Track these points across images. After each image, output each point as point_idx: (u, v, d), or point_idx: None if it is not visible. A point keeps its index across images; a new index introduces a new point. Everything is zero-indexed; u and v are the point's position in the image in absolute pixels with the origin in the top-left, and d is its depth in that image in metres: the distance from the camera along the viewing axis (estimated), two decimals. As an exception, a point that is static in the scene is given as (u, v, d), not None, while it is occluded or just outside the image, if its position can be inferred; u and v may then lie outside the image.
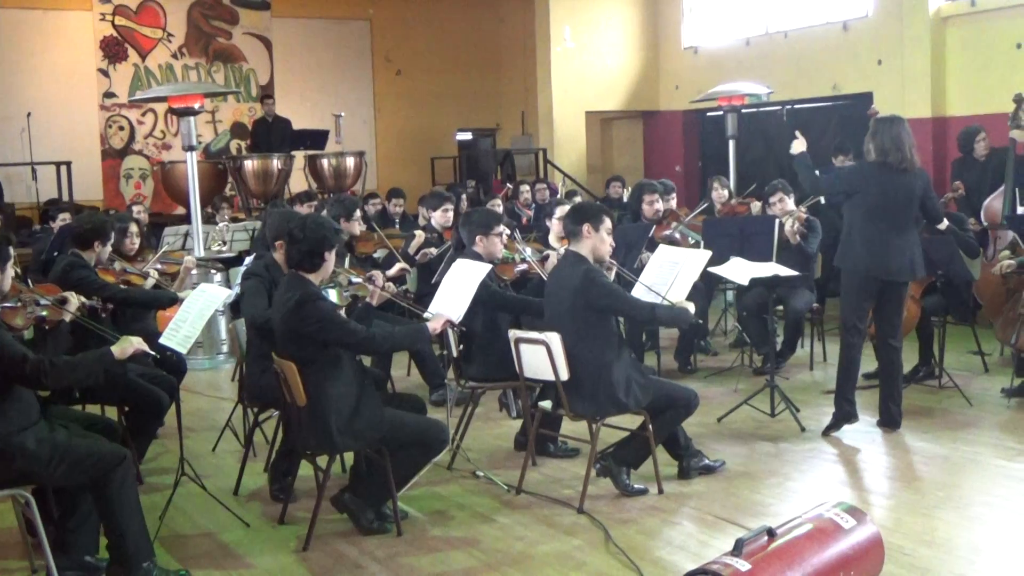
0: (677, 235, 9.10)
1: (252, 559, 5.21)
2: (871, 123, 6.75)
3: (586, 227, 5.78)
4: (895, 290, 6.75)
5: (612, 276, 6.21)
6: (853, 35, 13.42)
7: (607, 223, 5.81)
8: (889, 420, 6.85)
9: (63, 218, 10.53)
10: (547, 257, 7.78)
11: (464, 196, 12.20)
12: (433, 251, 8.57)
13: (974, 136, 10.41)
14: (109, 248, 6.92)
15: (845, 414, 6.83)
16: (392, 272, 6.45)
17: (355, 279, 6.04)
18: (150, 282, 7.41)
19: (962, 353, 8.85)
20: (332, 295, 5.62)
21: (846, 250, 6.76)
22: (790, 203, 8.83)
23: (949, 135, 11.80)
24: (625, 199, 12.63)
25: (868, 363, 8.29)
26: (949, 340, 8.22)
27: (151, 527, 5.20)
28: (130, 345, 4.88)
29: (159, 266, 7.81)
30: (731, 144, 12.19)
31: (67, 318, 5.43)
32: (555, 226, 8.47)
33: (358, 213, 8.35)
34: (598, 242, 5.79)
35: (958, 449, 6.47)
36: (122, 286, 6.94)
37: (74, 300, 5.55)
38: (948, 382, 7.77)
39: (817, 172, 7.15)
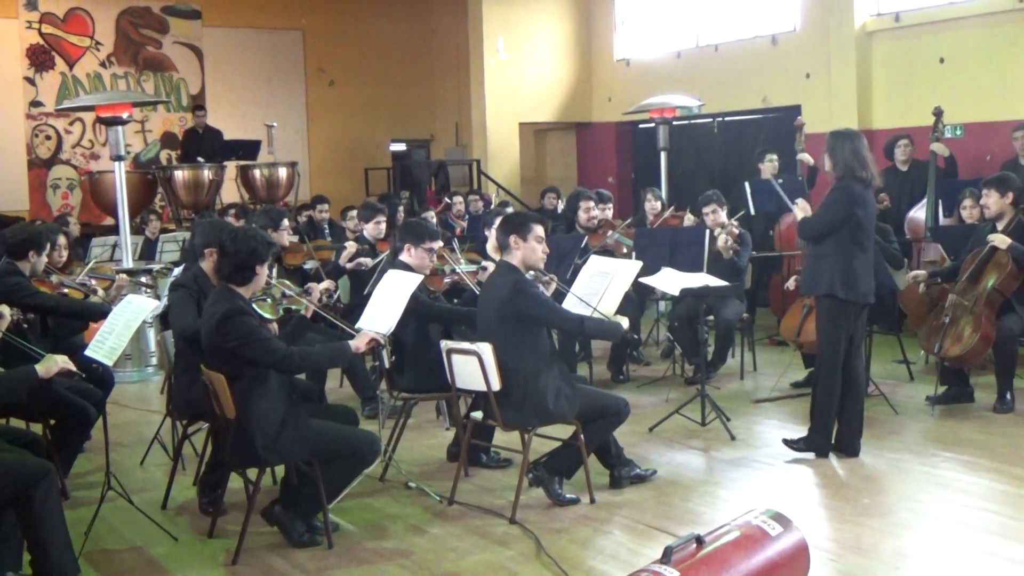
0: (611, 243, 9.17)
1: (180, 573, 5.14)
2: (828, 138, 6.50)
3: (513, 238, 5.81)
4: (864, 310, 6.56)
5: (551, 290, 6.24)
6: (782, 49, 13.62)
7: (536, 231, 5.82)
8: (849, 448, 6.57)
9: None
10: (485, 269, 7.80)
11: (400, 208, 12.18)
12: (368, 262, 8.53)
13: (895, 143, 10.63)
14: (44, 259, 6.81)
15: (820, 446, 6.55)
16: (318, 289, 6.38)
17: (289, 292, 6.01)
18: (99, 295, 7.31)
19: (888, 362, 9.01)
20: (267, 309, 5.56)
21: (849, 279, 6.34)
22: (723, 215, 8.95)
23: (875, 147, 11.94)
24: (560, 210, 12.71)
25: (798, 371, 8.45)
26: (875, 349, 8.36)
27: (76, 542, 5.11)
28: (55, 364, 4.84)
29: (91, 280, 7.70)
30: (663, 156, 12.30)
31: (-1, 334, 5.34)
32: (492, 236, 8.49)
33: (286, 223, 8.28)
34: (528, 252, 5.81)
35: (884, 456, 6.57)
36: (56, 295, 6.83)
37: (7, 317, 5.45)
38: (874, 390, 7.87)
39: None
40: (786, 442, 6.67)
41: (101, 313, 6.92)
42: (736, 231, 8.76)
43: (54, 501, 4.64)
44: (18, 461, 4.64)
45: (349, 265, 8.57)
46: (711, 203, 8.99)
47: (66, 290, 7.18)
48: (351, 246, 8.72)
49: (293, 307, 5.86)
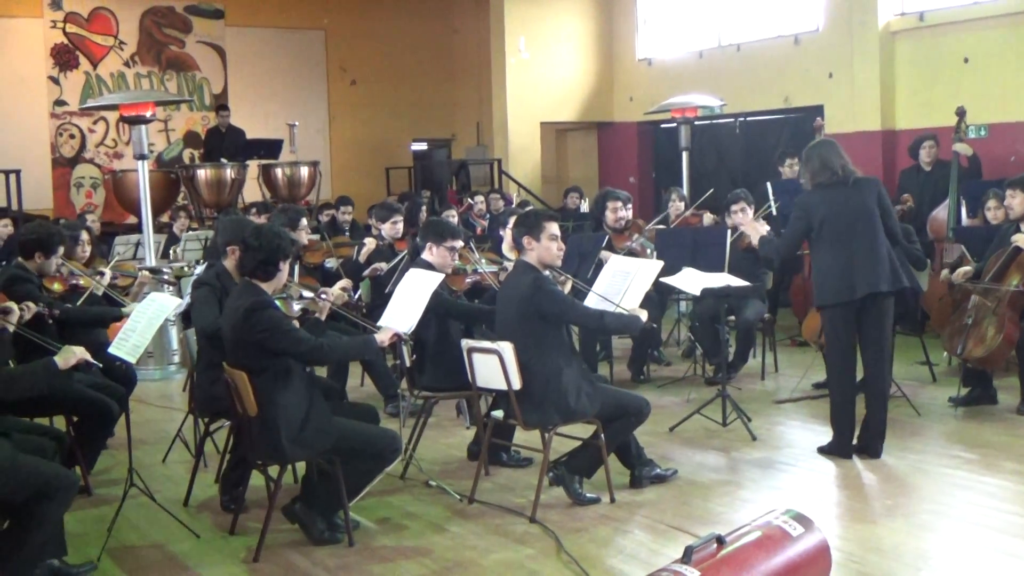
0: (637, 247, 9.12)
1: (202, 570, 5.16)
2: (803, 152, 6.66)
3: (526, 239, 5.81)
4: (875, 306, 6.43)
5: (568, 288, 6.23)
6: (804, 48, 13.57)
7: (548, 229, 5.81)
8: (871, 449, 6.53)
9: (4, 224, 10.51)
10: (506, 269, 7.81)
11: (423, 207, 12.19)
12: (384, 266, 8.56)
13: (920, 143, 10.56)
14: (55, 260, 6.75)
15: (840, 448, 6.55)
16: (336, 288, 6.41)
17: (306, 294, 6.04)
18: (105, 280, 7.32)
19: (910, 363, 8.95)
20: (281, 307, 5.59)
21: (818, 285, 6.54)
22: (751, 214, 8.91)
23: (898, 148, 11.96)
24: (583, 210, 12.70)
25: (820, 372, 8.40)
26: (898, 351, 8.29)
27: (99, 539, 5.18)
28: (73, 355, 4.86)
29: (115, 278, 7.73)
30: (684, 156, 12.27)
31: (10, 328, 5.35)
32: (507, 236, 8.49)
33: (304, 222, 8.31)
34: (543, 251, 5.81)
35: (906, 458, 6.54)
36: (66, 305, 6.77)
37: (16, 311, 5.47)
38: (897, 392, 7.83)
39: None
40: (820, 449, 6.67)
41: (114, 318, 6.93)
42: (767, 225, 8.72)
43: (56, 518, 4.63)
44: (46, 469, 4.62)
45: (366, 272, 8.60)
46: (740, 201, 8.95)
47: (79, 280, 7.19)
48: (370, 242, 8.74)
49: (309, 308, 5.91)
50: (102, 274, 7.39)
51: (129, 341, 5.59)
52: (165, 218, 13.49)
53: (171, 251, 11.01)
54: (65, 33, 16.03)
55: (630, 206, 10.07)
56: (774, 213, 9.78)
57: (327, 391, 6.00)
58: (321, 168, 15.25)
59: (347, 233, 11.30)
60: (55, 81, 16.02)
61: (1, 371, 4.66)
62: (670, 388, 8.67)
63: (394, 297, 6.01)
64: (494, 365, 5.65)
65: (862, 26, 12.50)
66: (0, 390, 4.67)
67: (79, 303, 7.01)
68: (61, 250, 6.80)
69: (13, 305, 5.45)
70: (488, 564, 5.08)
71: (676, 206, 10.46)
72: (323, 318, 5.83)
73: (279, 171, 14.65)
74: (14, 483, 4.50)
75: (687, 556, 3.69)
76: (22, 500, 4.53)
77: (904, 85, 12.32)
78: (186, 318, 7.55)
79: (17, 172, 14.12)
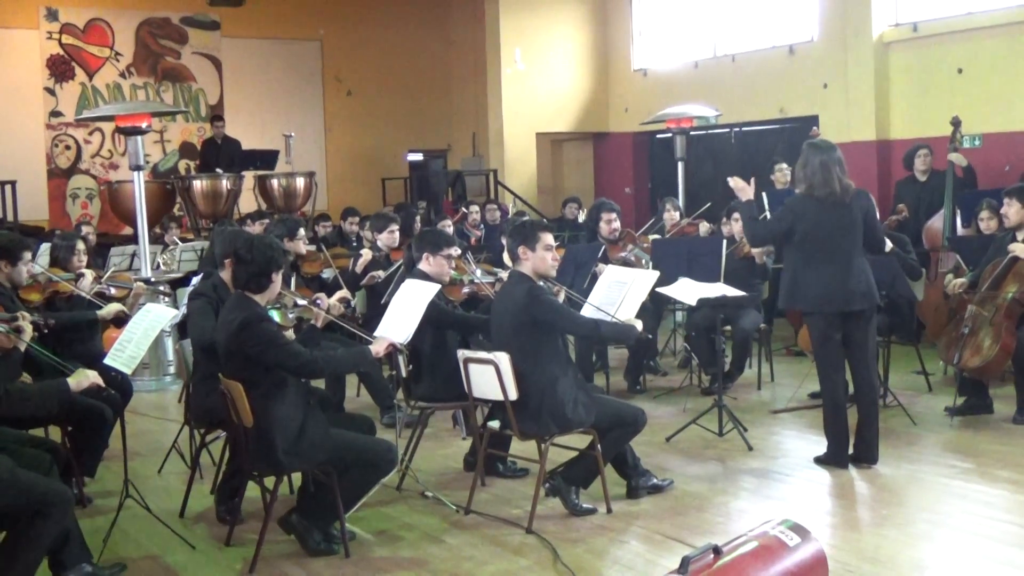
0: (632, 257, 9.13)
1: (198, 582, 5.16)
2: (803, 148, 6.57)
3: (521, 249, 5.83)
4: (859, 320, 6.45)
5: (562, 298, 6.24)
6: (799, 59, 13.61)
7: (544, 239, 5.84)
8: (867, 456, 6.53)
9: None
10: (502, 280, 7.81)
11: (418, 217, 12.19)
12: (381, 274, 8.55)
13: (914, 153, 10.59)
14: (24, 268, 6.63)
15: (834, 458, 6.55)
16: (334, 299, 6.41)
17: (301, 301, 6.04)
18: (85, 282, 7.28)
19: (906, 373, 8.96)
20: (276, 316, 5.59)
21: (793, 290, 6.53)
22: None
23: (893, 158, 11.99)
24: (581, 220, 12.72)
25: (816, 382, 8.41)
26: (893, 360, 8.34)
27: (95, 551, 5.15)
28: (86, 379, 4.90)
29: (111, 290, 7.71)
30: (680, 166, 12.29)
31: (21, 347, 5.34)
32: (510, 246, 8.49)
33: (301, 232, 8.31)
34: (537, 261, 5.83)
35: (902, 467, 6.54)
36: (50, 315, 6.73)
37: (28, 329, 5.45)
38: (893, 401, 7.86)
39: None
40: (816, 459, 6.67)
41: (89, 320, 6.90)
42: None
43: (48, 535, 4.58)
44: (42, 484, 4.60)
45: (363, 281, 8.60)
46: None
47: (58, 285, 7.16)
48: (366, 254, 8.75)
49: (304, 316, 5.90)
50: (82, 275, 7.36)
51: (125, 352, 5.58)
52: (158, 229, 13.47)
53: (158, 260, 10.96)
54: (61, 44, 16.04)
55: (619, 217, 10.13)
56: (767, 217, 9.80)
57: (323, 402, 6.00)
58: (317, 179, 15.26)
59: (354, 243, 11.30)
60: (51, 92, 16.03)
61: (15, 389, 4.65)
62: (666, 398, 8.67)
63: (390, 307, 6.01)
64: (490, 375, 5.65)
65: (856, 37, 12.55)
66: (12, 408, 4.66)
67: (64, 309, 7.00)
68: (28, 256, 6.71)
69: (25, 324, 5.41)
70: (484, 575, 5.07)
71: (671, 216, 10.48)
72: (319, 325, 5.82)
73: (275, 182, 14.65)
74: (11, 496, 4.49)
75: (683, 567, 3.68)
76: (17, 514, 4.52)
77: (898, 95, 12.37)
78: (182, 329, 7.55)
79: (13, 183, 14.13)
